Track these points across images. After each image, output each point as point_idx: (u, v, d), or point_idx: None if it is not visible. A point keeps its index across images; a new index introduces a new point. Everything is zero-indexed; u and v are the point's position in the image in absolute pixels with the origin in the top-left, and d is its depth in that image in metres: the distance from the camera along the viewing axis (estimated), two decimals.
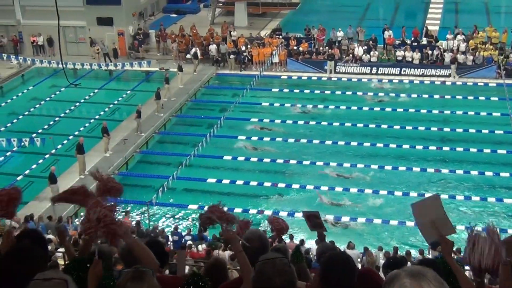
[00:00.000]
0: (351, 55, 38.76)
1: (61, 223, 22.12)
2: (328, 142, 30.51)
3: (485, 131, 30.91)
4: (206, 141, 30.80)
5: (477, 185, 26.67)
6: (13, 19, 43.81)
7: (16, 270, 4.14)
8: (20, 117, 34.88)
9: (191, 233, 22.38)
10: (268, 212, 24.94)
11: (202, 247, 20.13)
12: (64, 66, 26.90)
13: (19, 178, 28.05)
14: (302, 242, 20.07)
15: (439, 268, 5.09)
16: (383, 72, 38.24)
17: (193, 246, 20.55)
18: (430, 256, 19.18)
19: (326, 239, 8.36)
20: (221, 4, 48.78)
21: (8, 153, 30.37)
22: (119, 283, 4.13)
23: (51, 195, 25.19)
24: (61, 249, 15.65)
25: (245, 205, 25.50)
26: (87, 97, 36.95)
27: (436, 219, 4.99)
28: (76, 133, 32.12)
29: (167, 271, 8.24)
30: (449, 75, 37.13)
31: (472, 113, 33.00)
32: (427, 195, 25.24)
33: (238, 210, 25.07)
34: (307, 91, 36.90)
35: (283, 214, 24.69)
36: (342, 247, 18.88)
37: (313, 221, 7.32)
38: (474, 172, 27.37)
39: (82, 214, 24.25)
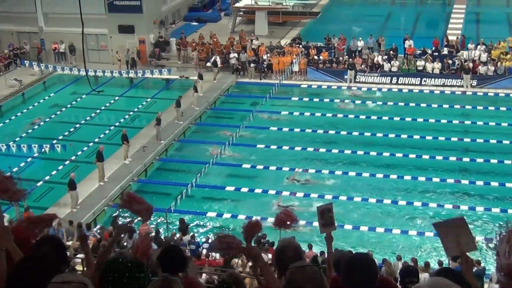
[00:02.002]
0: (364, 66, 38.65)
1: (81, 229, 22.24)
2: (347, 151, 30.44)
3: (506, 142, 30.67)
4: (225, 148, 30.86)
5: (498, 196, 26.44)
6: (36, 26, 44.27)
7: (28, 279, 4.13)
8: (41, 123, 35.18)
9: (209, 241, 22.39)
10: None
11: (219, 255, 20.11)
12: (86, 73, 27.15)
13: (39, 184, 28.27)
14: (321, 253, 20.06)
15: (462, 278, 5.00)
16: (403, 82, 38.09)
17: (210, 254, 20.57)
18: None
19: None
20: (241, 13, 48.93)
21: (29, 159, 30.62)
22: None
23: (70, 202, 25.47)
24: (80, 255, 15.75)
25: (262, 213, 25.46)
26: (107, 104, 37.17)
27: (460, 235, 5.01)
28: (96, 140, 32.33)
29: None
30: (470, 86, 36.86)
31: (493, 124, 32.77)
32: (446, 206, 25.27)
33: (256, 218, 25.09)
34: (326, 100, 36.84)
35: (300, 222, 24.64)
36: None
37: (326, 217, 7.21)
38: (494, 183, 27.12)
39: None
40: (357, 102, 36.35)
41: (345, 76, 38.60)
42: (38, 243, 5.25)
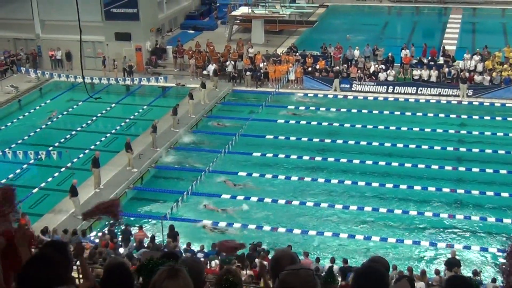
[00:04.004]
0: (360, 73, 38.80)
1: (76, 236, 22.20)
2: (343, 160, 30.46)
3: (501, 151, 30.73)
4: (221, 157, 30.84)
5: (493, 206, 26.45)
6: (33, 33, 44.29)
7: (38, 276, 4.15)
8: (38, 130, 35.12)
9: (204, 249, 22.35)
10: (282, 230, 24.90)
11: (215, 262, 20.10)
12: (83, 80, 27.15)
13: (34, 190, 28.21)
14: (333, 260, 20.03)
15: (472, 286, 4.99)
16: (399, 91, 38.17)
17: (208, 262, 20.52)
18: (445, 277, 19.09)
19: None
20: (238, 21, 49.02)
21: (25, 166, 30.57)
22: (155, 281, 4.15)
23: (72, 208, 25.44)
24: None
25: (259, 222, 25.50)
26: (104, 111, 37.15)
27: None
28: (92, 147, 32.26)
29: None
30: (466, 95, 36.95)
31: (488, 134, 32.84)
32: (442, 215, 25.29)
33: (252, 226, 25.15)
34: (322, 108, 36.86)
35: (296, 231, 24.74)
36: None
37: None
38: (490, 193, 27.15)
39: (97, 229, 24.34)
40: (313, 108, 36.65)
41: (342, 85, 38.68)
42: (43, 247, 5.25)
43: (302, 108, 37.16)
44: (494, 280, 18.67)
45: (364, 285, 4.51)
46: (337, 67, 39.55)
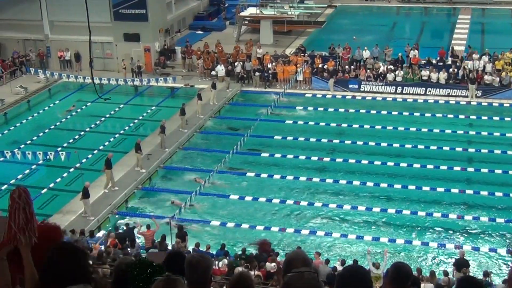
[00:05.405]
0: (370, 72, 38.73)
1: (83, 237, 22.23)
2: (352, 161, 30.43)
3: (510, 152, 30.61)
4: (229, 157, 30.85)
5: (502, 206, 26.35)
6: (42, 34, 44.43)
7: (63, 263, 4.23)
8: (46, 130, 35.22)
9: (209, 250, 22.33)
10: (290, 230, 24.89)
11: (223, 262, 20.09)
12: (93, 80, 27.24)
13: (43, 191, 28.29)
14: (343, 262, 19.95)
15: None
16: (408, 92, 38.07)
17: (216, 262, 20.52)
18: (454, 278, 19.03)
19: None
20: (246, 22, 49.02)
21: (34, 166, 30.66)
22: None
23: (80, 209, 25.53)
24: None
25: (267, 223, 25.48)
26: (112, 112, 37.22)
27: None
28: (101, 147, 32.36)
29: None
30: (475, 96, 36.83)
31: (497, 134, 32.72)
32: (451, 216, 25.19)
33: (260, 227, 25.13)
34: (331, 109, 36.81)
35: (304, 232, 24.73)
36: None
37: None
38: (499, 194, 27.03)
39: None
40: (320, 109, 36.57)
41: (350, 86, 38.63)
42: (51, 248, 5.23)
43: (310, 108, 37.13)
44: (506, 281, 18.57)
45: (346, 286, 4.51)
46: (331, 68, 39.48)
